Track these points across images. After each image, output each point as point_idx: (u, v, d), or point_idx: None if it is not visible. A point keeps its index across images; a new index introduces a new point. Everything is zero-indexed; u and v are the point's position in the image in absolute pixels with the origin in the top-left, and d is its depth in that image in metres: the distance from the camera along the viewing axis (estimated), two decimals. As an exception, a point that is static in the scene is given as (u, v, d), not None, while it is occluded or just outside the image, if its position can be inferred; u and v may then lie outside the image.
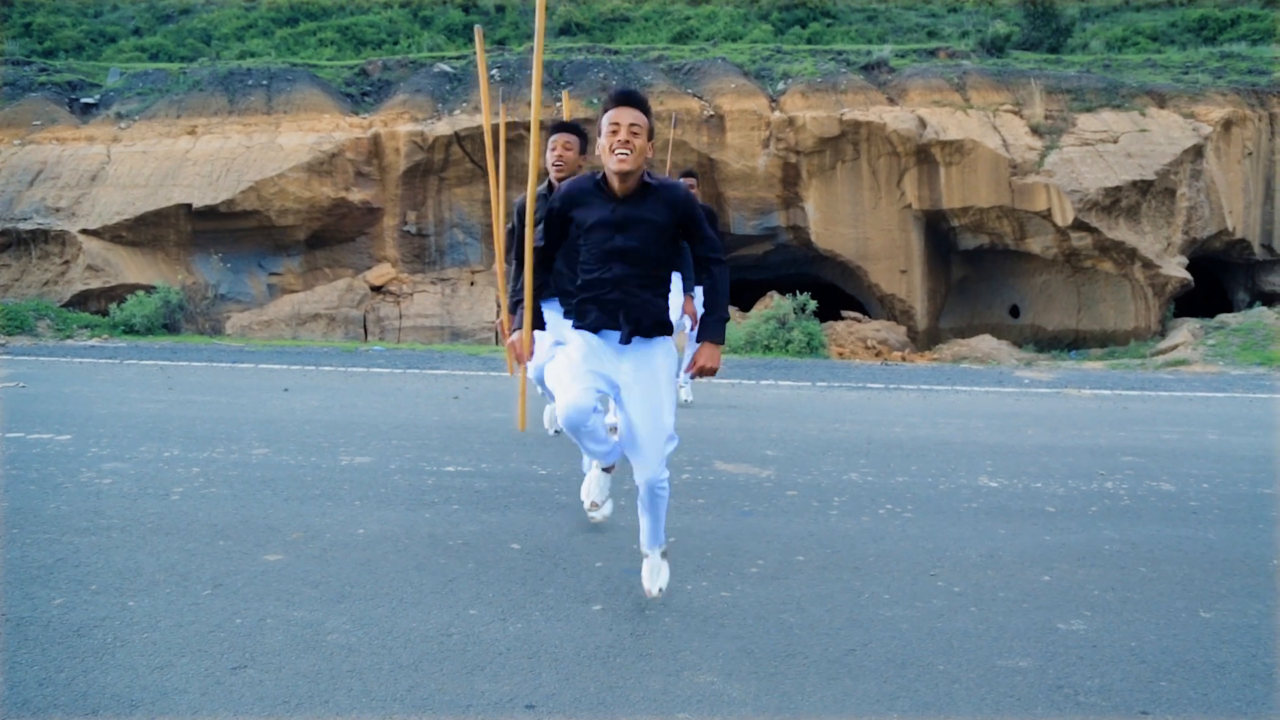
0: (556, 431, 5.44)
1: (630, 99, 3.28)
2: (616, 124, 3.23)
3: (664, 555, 3.66)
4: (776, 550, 4.45)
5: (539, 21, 3.59)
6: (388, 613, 3.61)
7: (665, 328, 3.49)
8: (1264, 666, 3.28)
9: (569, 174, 4.75)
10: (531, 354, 3.58)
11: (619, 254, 3.37)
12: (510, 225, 5.37)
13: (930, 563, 4.31)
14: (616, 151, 3.23)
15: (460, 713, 2.88)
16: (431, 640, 3.38)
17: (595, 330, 3.46)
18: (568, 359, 3.46)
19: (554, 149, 4.74)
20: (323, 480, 5.49)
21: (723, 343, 3.46)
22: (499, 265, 3.48)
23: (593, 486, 3.78)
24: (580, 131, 4.87)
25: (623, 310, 3.41)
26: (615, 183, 3.31)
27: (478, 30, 5.21)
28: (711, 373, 3.42)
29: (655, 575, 3.60)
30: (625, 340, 3.43)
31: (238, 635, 3.38)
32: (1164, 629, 3.60)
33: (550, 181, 4.81)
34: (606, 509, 3.98)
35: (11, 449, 6.10)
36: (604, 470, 3.79)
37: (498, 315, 15.80)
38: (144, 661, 3.17)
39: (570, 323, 3.52)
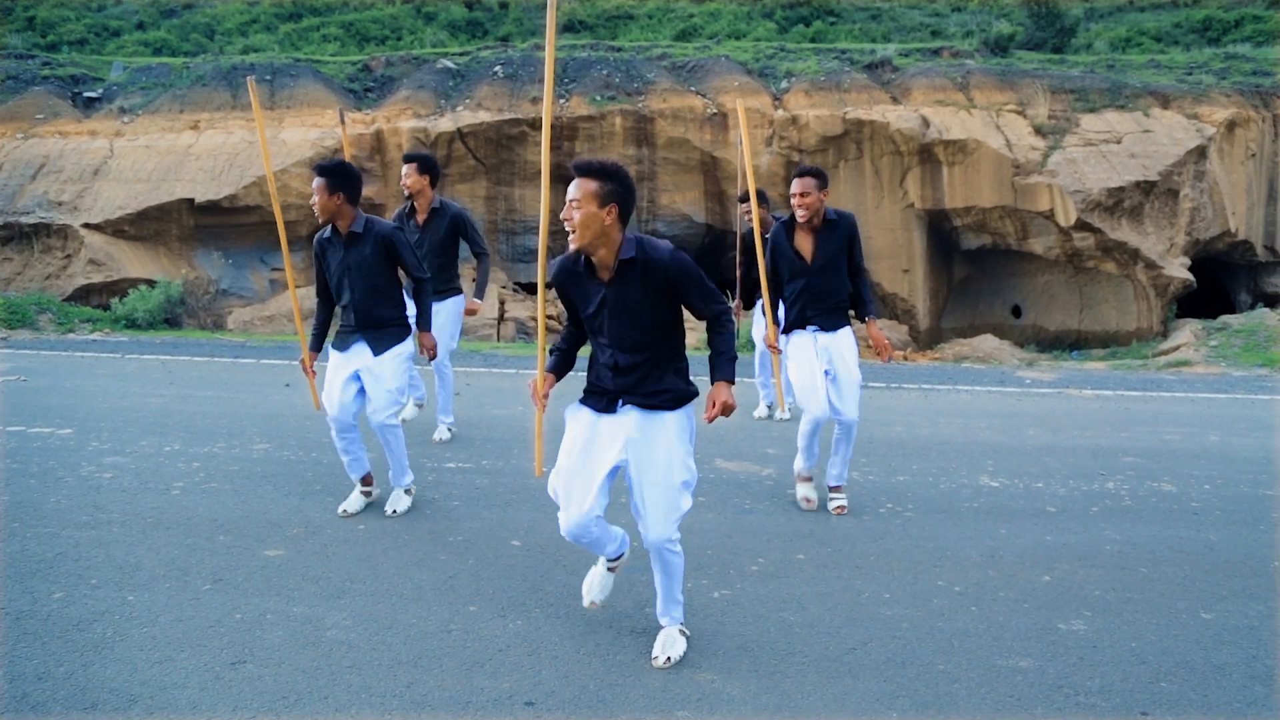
0: (345, 512, 4.98)
1: (579, 168, 3.06)
2: (567, 199, 3.05)
3: (682, 631, 3.41)
4: (777, 549, 4.44)
5: (550, 22, 3.51)
6: (387, 609, 3.61)
7: (678, 402, 3.25)
8: (1264, 668, 3.28)
9: (327, 218, 4.65)
10: (547, 396, 3.38)
11: (609, 334, 3.19)
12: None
13: (931, 562, 4.30)
14: (569, 233, 3.06)
15: (459, 709, 2.88)
16: (431, 637, 3.38)
17: (596, 409, 3.26)
18: (567, 457, 3.24)
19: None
20: (323, 476, 5.49)
21: (734, 381, 3.25)
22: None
23: (594, 583, 3.50)
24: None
25: (626, 389, 3.21)
26: (591, 259, 3.15)
27: None
28: (731, 410, 3.18)
29: (668, 645, 3.33)
30: (620, 409, 3.23)
31: (237, 630, 3.38)
32: (1164, 630, 3.59)
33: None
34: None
35: (12, 443, 6.10)
36: (608, 569, 3.53)
37: (500, 316, 15.81)
38: (143, 656, 3.17)
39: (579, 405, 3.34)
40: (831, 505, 5.11)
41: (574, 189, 3.05)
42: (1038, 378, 11.10)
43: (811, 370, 5.01)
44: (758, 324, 7.34)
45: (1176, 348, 14.20)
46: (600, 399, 3.26)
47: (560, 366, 3.43)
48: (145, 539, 4.32)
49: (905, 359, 14.33)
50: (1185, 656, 3.36)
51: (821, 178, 4.97)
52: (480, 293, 6.67)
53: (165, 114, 17.12)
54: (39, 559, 4.02)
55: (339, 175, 4.59)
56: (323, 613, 3.55)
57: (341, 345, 4.79)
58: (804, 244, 5.04)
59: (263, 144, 5.77)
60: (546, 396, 3.38)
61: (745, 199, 7.20)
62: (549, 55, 3.54)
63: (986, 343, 15.06)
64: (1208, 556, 4.47)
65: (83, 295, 15.32)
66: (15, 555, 4.06)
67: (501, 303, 16.19)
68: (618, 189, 3.06)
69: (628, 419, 3.21)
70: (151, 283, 14.89)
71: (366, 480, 4.95)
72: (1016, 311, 16.90)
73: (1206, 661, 3.32)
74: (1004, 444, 6.89)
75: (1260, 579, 4.18)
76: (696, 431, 3.37)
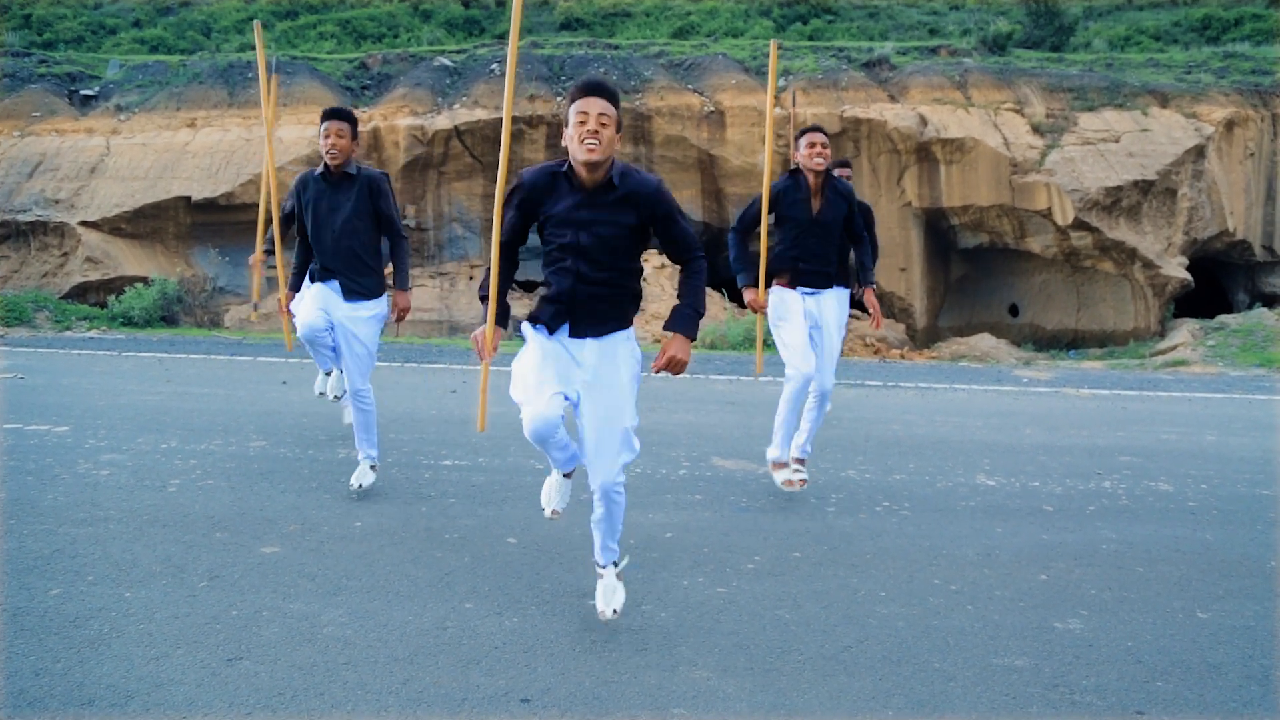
0: (335, 398, 5.54)
1: (598, 89, 3.14)
2: (585, 113, 3.09)
3: (619, 575, 3.52)
4: (773, 546, 4.45)
5: (514, 19, 3.47)
6: (384, 606, 3.61)
7: (625, 322, 3.36)
8: (1260, 667, 3.28)
9: (343, 160, 4.81)
10: (495, 349, 3.44)
11: (580, 251, 3.22)
12: (288, 208, 5.51)
13: (927, 560, 4.31)
14: (585, 141, 3.08)
15: (456, 706, 2.88)
16: (427, 633, 3.38)
17: (551, 330, 3.31)
18: (527, 364, 3.30)
19: (326, 136, 4.77)
20: (320, 473, 5.49)
21: (694, 338, 3.29)
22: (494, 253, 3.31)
23: (553, 493, 3.65)
24: (352, 118, 4.90)
25: (581, 310, 3.27)
26: (583, 174, 3.17)
27: None
28: (681, 366, 3.23)
29: (610, 595, 3.44)
30: (574, 335, 3.30)
31: (234, 627, 3.38)
32: (1160, 629, 3.60)
33: (326, 165, 4.84)
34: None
35: (9, 440, 6.09)
36: (564, 476, 3.66)
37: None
38: (140, 652, 3.17)
39: (531, 325, 3.37)
40: (796, 477, 5.14)
41: (599, 105, 3.11)
42: (1035, 377, 11.11)
43: (800, 328, 5.09)
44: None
45: (1174, 347, 14.22)
46: (557, 319, 3.31)
47: (502, 314, 3.48)
48: (142, 536, 4.31)
49: (902, 357, 14.34)
50: (1181, 656, 3.36)
51: (826, 135, 5.16)
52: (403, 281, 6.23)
53: (162, 112, 17.11)
54: (36, 556, 4.02)
55: (354, 120, 4.88)
56: (319, 609, 3.55)
57: (317, 278, 4.92)
58: (810, 199, 5.12)
59: (268, 138, 5.79)
60: (495, 349, 3.43)
61: (842, 164, 7.10)
62: (511, 50, 3.53)
63: (984, 342, 15.08)
64: (1204, 556, 4.48)
65: (79, 293, 15.31)
66: (13, 552, 4.06)
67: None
68: (620, 113, 3.22)
69: (583, 353, 3.30)
70: (148, 280, 14.88)
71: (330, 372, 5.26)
72: (1014, 310, 16.93)
73: (1202, 661, 3.33)
74: (1001, 443, 6.90)
75: (1257, 578, 4.19)
76: (693, 427, 3.37)
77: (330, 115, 4.84)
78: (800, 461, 5.28)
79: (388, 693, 2.95)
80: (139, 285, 14.64)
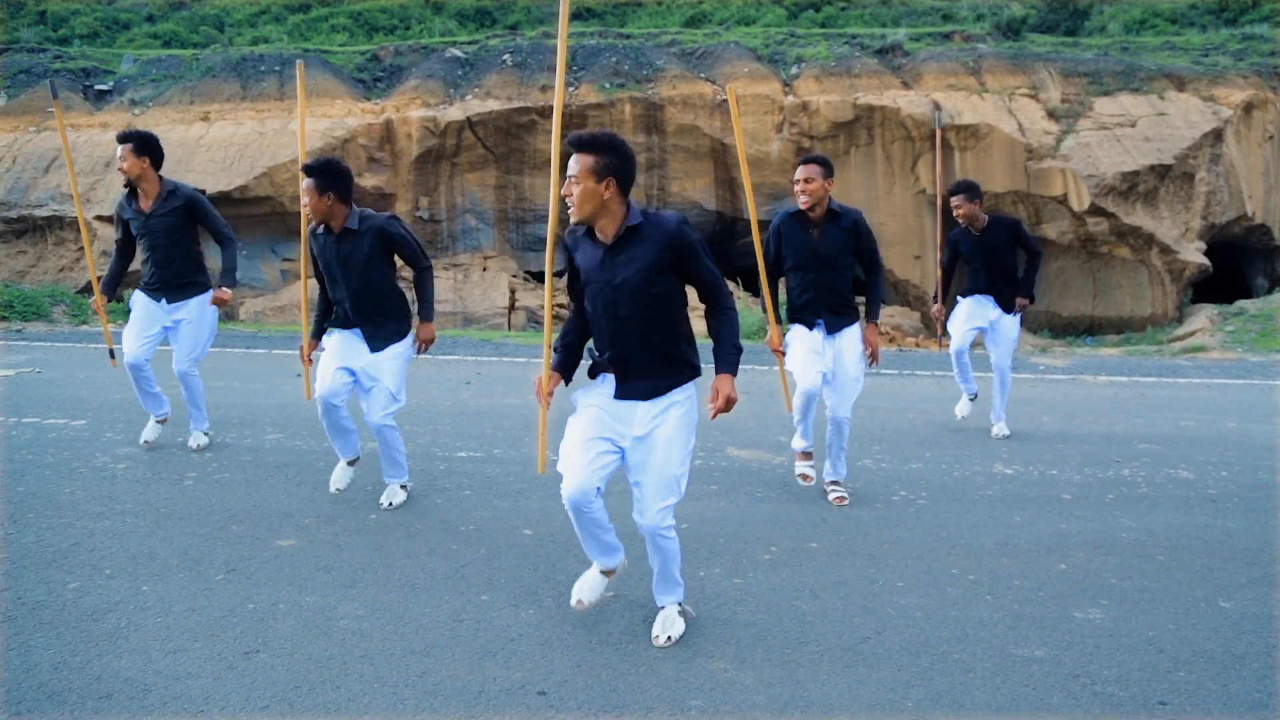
0: (338, 490, 4.94)
1: (574, 143, 3.05)
2: (566, 177, 3.06)
3: (680, 612, 3.41)
4: (789, 537, 4.43)
5: (563, 11, 3.46)
6: (400, 598, 3.61)
7: (678, 380, 3.24)
8: (1284, 656, 3.24)
9: (321, 220, 4.51)
10: (551, 394, 3.37)
11: (609, 306, 3.17)
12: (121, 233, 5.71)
13: (945, 550, 4.27)
14: (568, 204, 3.06)
15: (472, 699, 2.88)
16: (443, 626, 3.38)
17: (604, 392, 3.26)
18: (577, 424, 3.23)
19: (304, 196, 4.46)
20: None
21: (736, 373, 3.20)
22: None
23: (585, 585, 3.42)
24: (321, 171, 4.45)
25: (623, 367, 3.21)
26: (594, 229, 3.16)
27: None
28: (732, 404, 3.14)
29: (667, 624, 3.34)
30: (622, 396, 3.23)
31: (250, 620, 3.39)
32: (1182, 618, 3.56)
33: (326, 225, 4.55)
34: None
35: (27, 434, 6.13)
36: (603, 573, 3.45)
37: (512, 304, 15.80)
38: (157, 646, 3.18)
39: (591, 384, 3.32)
40: (831, 496, 5.09)
41: (572, 165, 3.04)
42: (1052, 364, 11.02)
43: (808, 350, 5.00)
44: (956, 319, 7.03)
45: (1192, 333, 14.09)
46: (605, 379, 3.26)
47: (566, 364, 3.40)
48: (159, 529, 4.33)
49: (918, 346, 14.26)
50: (1203, 646, 3.33)
51: (826, 166, 4.89)
52: (230, 278, 6.06)
53: (176, 106, 17.15)
54: (54, 549, 4.04)
55: (326, 174, 4.43)
56: (335, 602, 3.55)
57: (339, 327, 4.73)
58: (812, 234, 4.99)
59: (301, 131, 5.79)
60: (551, 395, 3.37)
61: (957, 190, 6.84)
62: (561, 43, 3.50)
63: (999, 329, 14.95)
64: (1226, 544, 4.43)
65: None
66: (31, 546, 4.08)
67: (512, 292, 16.18)
68: (613, 161, 3.04)
69: (635, 415, 3.20)
70: (164, 274, 14.92)
71: (353, 462, 4.99)
72: (1030, 297, 16.79)
73: (1225, 651, 3.29)
74: (1018, 431, 6.85)
75: (1279, 567, 4.14)
76: (701, 422, 3.33)
77: (304, 171, 4.47)
78: (834, 484, 5.14)
79: (404, 685, 2.95)
80: (154, 279, 14.70)
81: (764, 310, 5.14)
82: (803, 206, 4.91)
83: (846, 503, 5.02)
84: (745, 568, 4.02)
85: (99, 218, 15.36)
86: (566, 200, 3.08)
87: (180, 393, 5.95)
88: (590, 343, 3.39)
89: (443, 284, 16.12)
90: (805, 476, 5.24)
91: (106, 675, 2.97)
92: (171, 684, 2.93)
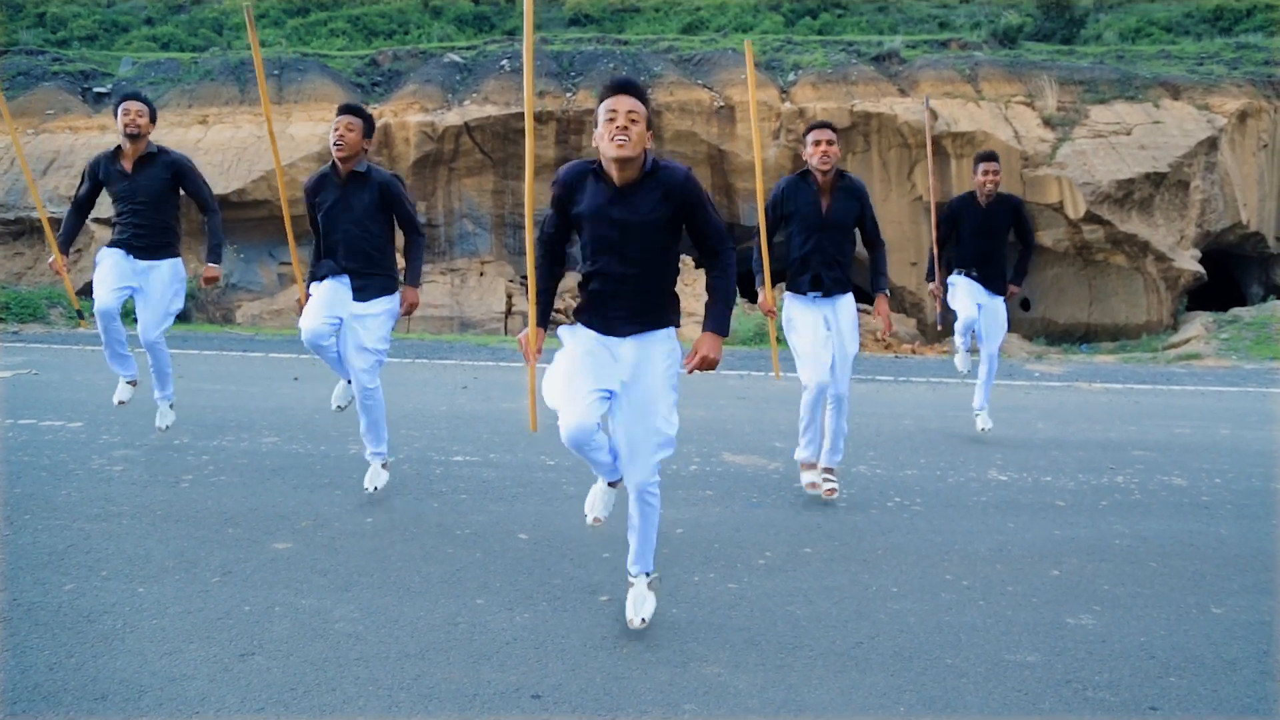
0: (339, 408, 5.36)
1: (627, 87, 3.18)
2: (614, 111, 3.13)
3: (650, 585, 3.47)
4: (784, 542, 4.44)
5: (527, 15, 3.50)
6: (395, 601, 3.62)
7: (664, 321, 3.37)
8: (1275, 663, 3.26)
9: (350, 155, 4.76)
10: (539, 350, 3.49)
11: (613, 247, 3.25)
12: (83, 192, 5.99)
13: (939, 556, 4.29)
14: (615, 138, 3.11)
15: (466, 702, 2.89)
16: (438, 629, 3.39)
17: (590, 327, 3.35)
18: (566, 367, 3.32)
19: (336, 129, 4.74)
20: (332, 469, 5.50)
21: (726, 334, 3.32)
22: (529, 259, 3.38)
23: (597, 500, 3.62)
24: (364, 115, 4.85)
25: (617, 307, 3.30)
26: (614, 171, 3.20)
27: None
28: (713, 364, 3.26)
29: (640, 604, 3.41)
30: (618, 333, 3.32)
31: (246, 622, 3.39)
32: (1174, 624, 3.58)
33: (334, 162, 4.81)
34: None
35: (24, 436, 6.13)
36: (609, 485, 3.63)
37: (509, 308, 15.80)
38: (153, 647, 3.18)
39: (574, 325, 3.41)
40: (824, 487, 5.06)
41: (628, 103, 3.14)
42: (1047, 371, 11.06)
43: (815, 337, 5.00)
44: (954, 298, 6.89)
45: (1187, 340, 14.14)
46: (595, 317, 3.34)
47: (543, 315, 3.53)
48: (155, 531, 4.33)
49: (913, 352, 14.30)
50: (1195, 652, 3.34)
51: (837, 131, 5.03)
52: (216, 255, 6.07)
53: (174, 109, 17.16)
54: (50, 551, 4.04)
55: (370, 120, 4.85)
56: (330, 605, 3.56)
57: (324, 277, 4.82)
58: (819, 199, 5.01)
59: (271, 138, 5.80)
60: (539, 351, 3.47)
61: (992, 157, 6.67)
62: (527, 47, 3.53)
63: (995, 336, 14.99)
64: (1218, 551, 4.45)
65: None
66: (27, 547, 4.08)
67: (509, 296, 16.20)
68: (650, 115, 3.24)
69: (622, 350, 3.31)
70: (161, 277, 14.91)
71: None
72: (1025, 304, 16.84)
73: (1216, 657, 3.31)
74: (1012, 437, 6.87)
75: (1272, 573, 4.16)
76: (704, 423, 3.36)
77: (343, 110, 4.82)
78: (830, 471, 5.16)
79: (398, 688, 2.96)
80: (151, 282, 14.69)
81: (757, 271, 5.21)
82: (821, 169, 4.95)
83: (836, 495, 5.03)
84: (740, 572, 4.03)
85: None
86: (617, 134, 3.11)
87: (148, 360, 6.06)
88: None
89: (439, 288, 16.13)
90: (814, 485, 5.14)
91: (102, 677, 2.98)
92: (167, 686, 2.93)
